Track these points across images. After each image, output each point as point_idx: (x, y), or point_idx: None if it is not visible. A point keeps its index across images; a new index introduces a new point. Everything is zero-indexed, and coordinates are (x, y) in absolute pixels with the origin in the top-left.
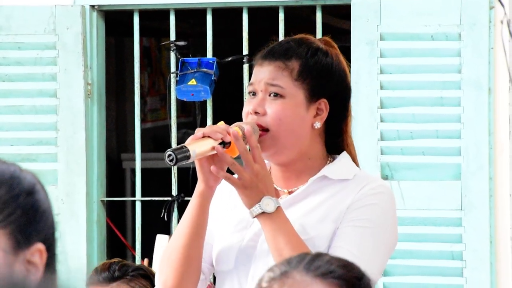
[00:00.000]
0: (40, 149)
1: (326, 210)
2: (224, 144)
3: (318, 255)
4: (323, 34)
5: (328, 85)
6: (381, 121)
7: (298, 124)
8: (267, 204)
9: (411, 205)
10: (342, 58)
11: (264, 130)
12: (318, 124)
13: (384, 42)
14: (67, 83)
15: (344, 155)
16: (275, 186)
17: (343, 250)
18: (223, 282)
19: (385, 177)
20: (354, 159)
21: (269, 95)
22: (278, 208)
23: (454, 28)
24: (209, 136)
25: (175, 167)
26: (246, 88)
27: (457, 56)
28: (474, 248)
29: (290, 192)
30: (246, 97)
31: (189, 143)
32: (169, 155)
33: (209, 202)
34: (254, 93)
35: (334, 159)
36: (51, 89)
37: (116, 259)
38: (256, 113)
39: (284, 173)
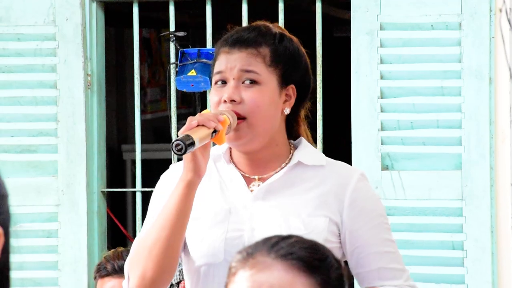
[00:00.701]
0: (40, 140)
1: (315, 202)
2: (214, 132)
3: (285, 238)
4: (323, 24)
5: (296, 71)
6: (381, 111)
7: (273, 110)
8: None
9: (411, 195)
10: (301, 46)
11: (240, 118)
12: (287, 110)
13: (384, 32)
14: (67, 74)
15: (304, 141)
16: (244, 174)
17: (382, 254)
18: (212, 275)
19: (385, 167)
20: (312, 143)
21: (243, 82)
22: None
23: (455, 17)
24: (203, 125)
25: (175, 158)
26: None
27: (457, 46)
28: (475, 238)
29: (261, 179)
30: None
31: (188, 132)
32: (178, 144)
33: (195, 191)
34: (223, 82)
35: (294, 145)
36: (51, 80)
37: (121, 248)
38: (232, 101)
39: (251, 160)
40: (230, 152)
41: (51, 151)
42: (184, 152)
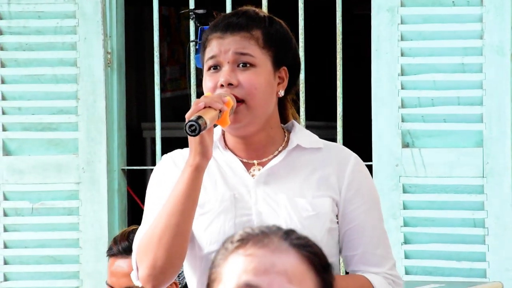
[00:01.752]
0: (61, 118)
1: (318, 183)
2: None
3: (295, 231)
4: (343, 2)
5: (287, 53)
6: (402, 89)
7: (269, 92)
8: None
9: (432, 173)
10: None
11: (238, 101)
12: (282, 92)
13: (405, 9)
14: (87, 52)
15: (297, 124)
16: (241, 159)
17: (370, 239)
18: (200, 266)
19: (406, 145)
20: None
21: (238, 66)
22: None
23: None
24: (209, 106)
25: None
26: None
27: (478, 22)
28: (496, 215)
29: (260, 164)
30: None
31: (199, 113)
32: (191, 125)
33: (203, 175)
34: (216, 67)
35: (286, 128)
36: (71, 58)
37: (133, 227)
38: (229, 84)
39: (247, 145)
40: (224, 138)
41: (72, 129)
42: (198, 133)
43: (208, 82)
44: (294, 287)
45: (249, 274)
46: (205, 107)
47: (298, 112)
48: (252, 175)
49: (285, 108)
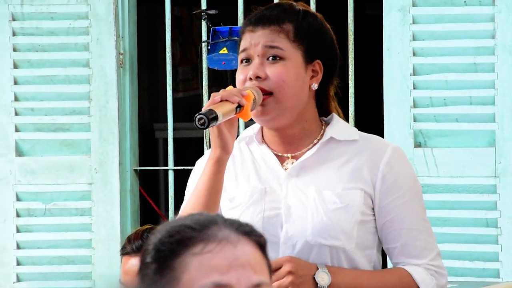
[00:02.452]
0: (73, 119)
1: (350, 175)
2: (239, 107)
3: (229, 218)
4: (355, 1)
5: (321, 47)
6: (414, 88)
7: (299, 85)
8: (322, 278)
9: (444, 173)
10: (326, 22)
11: (266, 94)
12: (315, 86)
13: (417, 8)
14: (100, 53)
15: (336, 116)
16: (276, 153)
17: (409, 231)
18: None
19: (418, 145)
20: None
21: (267, 59)
22: (333, 275)
23: None
24: (226, 100)
25: (207, 136)
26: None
27: (490, 22)
28: (509, 215)
29: (294, 157)
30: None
31: (212, 107)
32: (200, 118)
33: (224, 168)
34: (247, 60)
35: (326, 121)
36: (84, 59)
37: (147, 226)
38: (257, 77)
39: (282, 138)
40: (262, 133)
41: (84, 129)
42: (207, 126)
43: (239, 75)
44: (259, 276)
45: (215, 273)
46: (221, 101)
47: (346, 107)
48: (285, 169)
49: (326, 101)
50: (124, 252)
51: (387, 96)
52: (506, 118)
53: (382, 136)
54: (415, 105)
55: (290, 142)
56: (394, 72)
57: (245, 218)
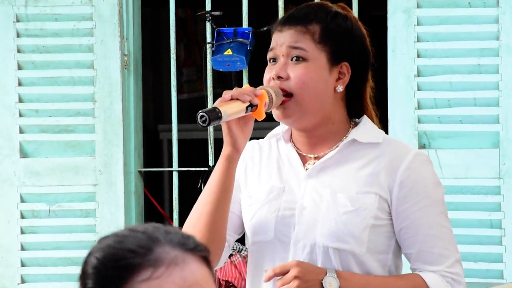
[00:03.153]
0: (78, 120)
1: (366, 179)
2: (251, 106)
3: (173, 231)
4: (360, 2)
5: (349, 49)
6: (418, 90)
7: (322, 87)
8: (330, 283)
9: (449, 174)
10: (360, 24)
11: (287, 95)
12: (340, 88)
13: (421, 10)
14: (104, 54)
15: (366, 119)
16: (301, 153)
17: (425, 237)
18: (263, 252)
19: (422, 146)
20: (377, 123)
21: (291, 60)
22: (342, 280)
23: None
24: (237, 99)
25: (212, 137)
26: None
27: (495, 23)
28: None
29: (316, 158)
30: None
31: (219, 105)
32: (202, 116)
33: (235, 165)
34: (274, 59)
35: (356, 123)
36: (88, 60)
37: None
38: (279, 77)
39: (308, 138)
40: (291, 132)
41: (89, 131)
42: (208, 124)
43: (266, 74)
44: None
45: None
46: (232, 99)
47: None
48: (306, 169)
49: (359, 103)
50: None
51: (392, 98)
52: (510, 119)
53: None
54: (419, 107)
55: (315, 143)
56: (398, 73)
57: (260, 215)
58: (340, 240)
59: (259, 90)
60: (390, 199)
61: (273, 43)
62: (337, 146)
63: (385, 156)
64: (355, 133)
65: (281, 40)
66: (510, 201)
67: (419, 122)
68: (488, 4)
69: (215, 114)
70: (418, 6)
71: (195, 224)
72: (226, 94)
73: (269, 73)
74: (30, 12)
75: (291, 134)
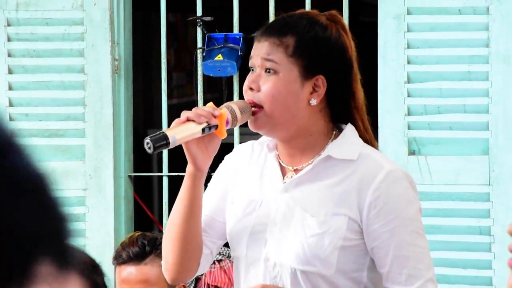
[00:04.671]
0: (68, 124)
1: (338, 198)
2: (210, 127)
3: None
4: (350, 8)
5: (325, 61)
6: (408, 96)
7: (292, 101)
8: None
9: (438, 180)
10: (344, 33)
11: (259, 107)
12: (314, 101)
13: (411, 17)
14: (95, 59)
15: (349, 128)
16: (282, 163)
17: (395, 258)
18: (238, 267)
19: (412, 152)
20: (364, 132)
21: (265, 71)
22: None
23: (482, 1)
24: (193, 120)
25: None
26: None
27: (485, 30)
28: (502, 223)
29: (295, 170)
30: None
31: (172, 127)
32: (147, 143)
33: (200, 183)
34: (253, 69)
35: (338, 133)
36: (79, 64)
37: (138, 233)
38: (250, 89)
39: (288, 149)
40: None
41: (79, 135)
42: (154, 151)
43: (245, 82)
44: None
45: None
46: (188, 120)
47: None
48: (285, 182)
49: (344, 113)
50: (120, 261)
51: (382, 104)
52: (499, 126)
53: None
54: (409, 113)
55: (294, 154)
56: (388, 79)
57: (236, 229)
58: (306, 263)
59: (218, 110)
60: (360, 218)
61: (252, 52)
62: (313, 161)
63: (357, 174)
64: (331, 148)
65: (257, 51)
66: (499, 208)
67: (409, 128)
68: (478, 12)
69: (161, 140)
70: (408, 13)
71: (167, 233)
72: (183, 115)
73: (246, 82)
74: (21, 17)
75: (275, 144)
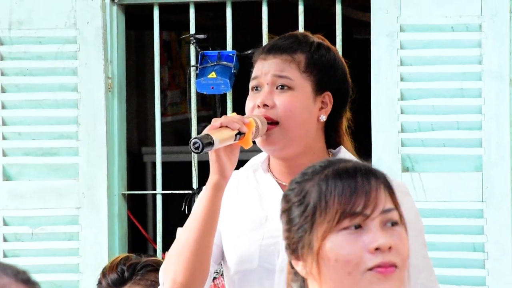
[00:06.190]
0: (61, 143)
1: None
2: (239, 134)
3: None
4: (343, 26)
5: (332, 79)
6: (402, 113)
7: (307, 116)
8: None
9: (432, 197)
10: (341, 56)
11: (273, 123)
12: (323, 117)
13: (404, 34)
14: (88, 77)
15: (343, 150)
16: (281, 182)
17: (411, 267)
18: (247, 281)
19: (406, 169)
20: (353, 155)
21: (277, 88)
22: None
23: (475, 19)
24: (226, 126)
25: (196, 160)
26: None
27: (477, 47)
28: (495, 239)
29: None
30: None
31: (209, 132)
32: (195, 143)
33: (222, 193)
34: (257, 88)
35: (333, 154)
36: (72, 83)
37: (122, 256)
38: (265, 105)
39: (288, 168)
40: (269, 161)
41: (72, 154)
42: (201, 151)
43: (249, 102)
44: None
45: None
46: (221, 126)
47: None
48: None
49: (336, 134)
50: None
51: (375, 121)
52: (492, 143)
53: (371, 160)
54: (402, 130)
55: (295, 172)
56: (382, 97)
57: (244, 243)
58: None
59: (247, 118)
60: None
61: (256, 72)
62: None
63: None
64: None
65: (266, 69)
66: (493, 225)
67: (402, 145)
68: (471, 29)
69: (208, 141)
70: (401, 30)
71: (181, 252)
72: (216, 121)
73: (252, 101)
74: (14, 35)
75: (268, 164)
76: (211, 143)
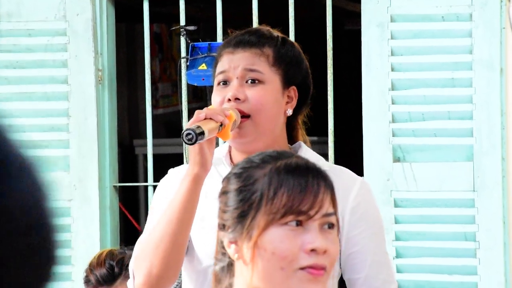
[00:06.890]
0: (52, 135)
1: None
2: (221, 126)
3: None
4: (334, 17)
5: (297, 73)
6: (393, 103)
7: (276, 110)
8: None
9: (423, 187)
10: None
11: (244, 116)
12: (290, 111)
13: (395, 24)
14: (78, 70)
15: (304, 145)
16: None
17: (373, 263)
18: (197, 279)
19: (397, 159)
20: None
21: (247, 82)
22: None
23: (465, 8)
24: (211, 118)
25: (187, 152)
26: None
27: (468, 37)
28: (487, 228)
29: None
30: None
31: (195, 123)
32: (188, 133)
33: (201, 185)
34: (225, 82)
35: (294, 149)
36: (62, 75)
37: (106, 251)
38: (236, 99)
39: None
40: (230, 155)
41: (63, 146)
42: (195, 142)
43: (216, 97)
44: None
45: None
46: (205, 118)
47: (325, 122)
48: None
49: (294, 129)
50: (90, 285)
51: (366, 111)
52: (483, 132)
53: (361, 151)
54: (393, 120)
55: None
56: (372, 87)
57: (212, 239)
58: None
59: (227, 110)
60: (342, 224)
61: (223, 66)
62: None
63: (334, 184)
64: None
65: (236, 63)
66: (484, 214)
67: (393, 135)
68: (462, 18)
69: (200, 132)
70: (392, 20)
71: (158, 244)
72: (200, 113)
73: (220, 95)
74: (3, 28)
75: (230, 157)
76: (202, 134)
